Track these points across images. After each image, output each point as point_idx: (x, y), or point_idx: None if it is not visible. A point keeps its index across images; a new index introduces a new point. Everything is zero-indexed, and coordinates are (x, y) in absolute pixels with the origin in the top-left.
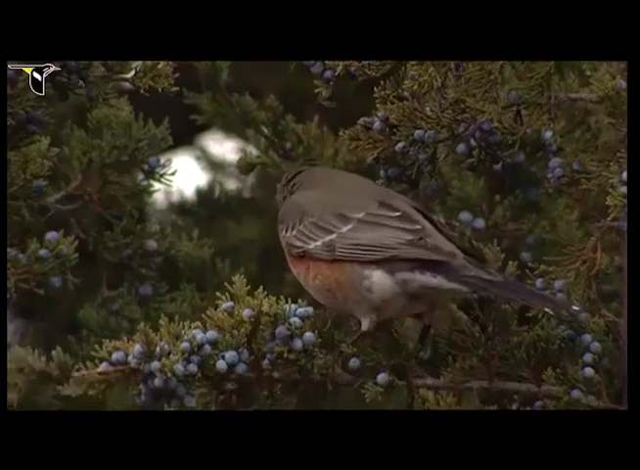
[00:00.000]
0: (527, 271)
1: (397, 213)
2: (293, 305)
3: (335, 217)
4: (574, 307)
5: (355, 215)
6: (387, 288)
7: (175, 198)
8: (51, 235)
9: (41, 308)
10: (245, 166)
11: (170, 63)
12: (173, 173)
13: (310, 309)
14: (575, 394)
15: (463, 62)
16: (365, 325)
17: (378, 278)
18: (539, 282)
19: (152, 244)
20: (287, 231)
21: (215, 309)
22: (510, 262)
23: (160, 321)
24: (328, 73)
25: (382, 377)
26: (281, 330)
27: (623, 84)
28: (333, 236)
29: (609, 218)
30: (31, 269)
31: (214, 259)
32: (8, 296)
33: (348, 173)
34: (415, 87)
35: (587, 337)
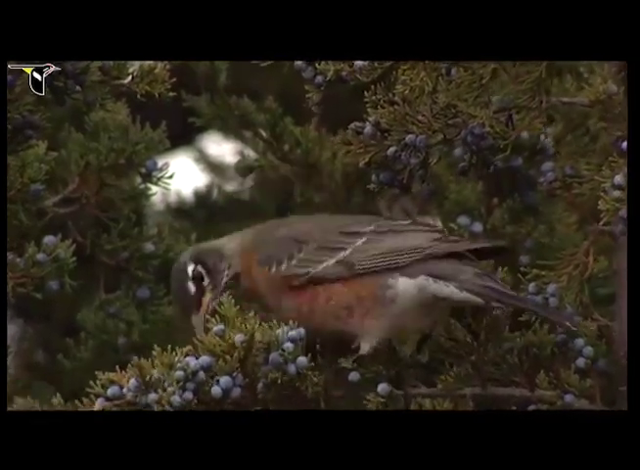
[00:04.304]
0: (520, 276)
1: (409, 221)
2: (285, 328)
3: (342, 236)
4: (577, 318)
5: (365, 229)
6: (410, 295)
7: (173, 199)
8: (48, 239)
9: (39, 312)
10: (243, 169)
11: (167, 66)
12: (171, 176)
13: (302, 331)
14: (568, 398)
15: (458, 62)
16: (365, 349)
17: (403, 285)
18: (532, 286)
19: (149, 247)
20: (279, 265)
21: (206, 333)
22: (500, 268)
23: (153, 352)
24: (319, 78)
25: (382, 387)
26: (274, 357)
27: (615, 88)
28: (347, 252)
29: (601, 223)
30: (29, 273)
31: None
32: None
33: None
34: (406, 92)
35: (580, 341)
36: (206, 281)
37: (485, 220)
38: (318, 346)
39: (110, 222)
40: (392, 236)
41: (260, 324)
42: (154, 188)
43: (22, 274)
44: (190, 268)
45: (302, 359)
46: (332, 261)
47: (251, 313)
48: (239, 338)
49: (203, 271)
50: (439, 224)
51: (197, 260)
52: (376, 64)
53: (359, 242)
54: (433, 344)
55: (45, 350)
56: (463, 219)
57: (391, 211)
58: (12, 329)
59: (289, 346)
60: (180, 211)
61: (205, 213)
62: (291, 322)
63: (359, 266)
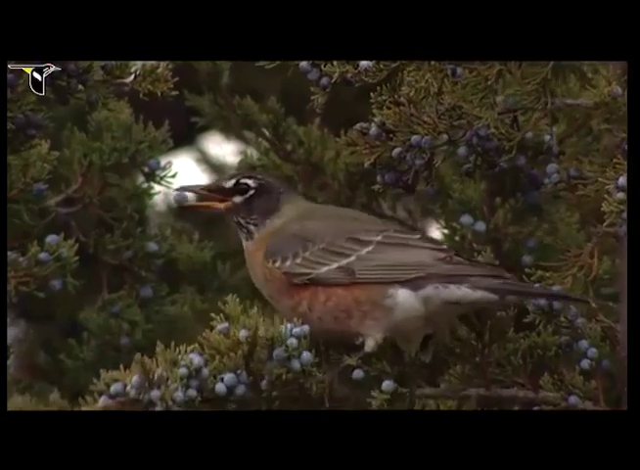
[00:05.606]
0: (524, 277)
1: (418, 235)
2: (288, 325)
3: (349, 242)
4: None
5: (373, 238)
6: (410, 307)
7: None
8: (51, 238)
9: (42, 311)
10: (246, 168)
11: (170, 65)
12: (174, 176)
13: (306, 328)
14: (572, 400)
15: (463, 62)
16: (369, 346)
17: (403, 297)
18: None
19: (152, 246)
20: (283, 261)
21: (211, 330)
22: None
23: (157, 348)
24: (324, 80)
25: (387, 384)
26: (278, 352)
27: (619, 90)
28: (351, 259)
29: (605, 224)
30: (32, 272)
31: (215, 262)
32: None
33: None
34: (411, 93)
35: (584, 343)
36: (240, 200)
37: (488, 220)
38: (322, 347)
39: (113, 222)
40: (398, 249)
41: (264, 320)
42: (157, 187)
43: (25, 273)
44: (247, 181)
45: (307, 355)
46: (334, 266)
47: (254, 310)
48: (243, 334)
49: (252, 191)
50: (444, 245)
51: (260, 184)
52: (381, 65)
53: (364, 251)
54: (437, 344)
55: (47, 349)
56: (466, 219)
57: (394, 211)
58: (14, 329)
59: (293, 342)
60: (182, 211)
61: (206, 214)
62: (295, 319)
63: (360, 275)
